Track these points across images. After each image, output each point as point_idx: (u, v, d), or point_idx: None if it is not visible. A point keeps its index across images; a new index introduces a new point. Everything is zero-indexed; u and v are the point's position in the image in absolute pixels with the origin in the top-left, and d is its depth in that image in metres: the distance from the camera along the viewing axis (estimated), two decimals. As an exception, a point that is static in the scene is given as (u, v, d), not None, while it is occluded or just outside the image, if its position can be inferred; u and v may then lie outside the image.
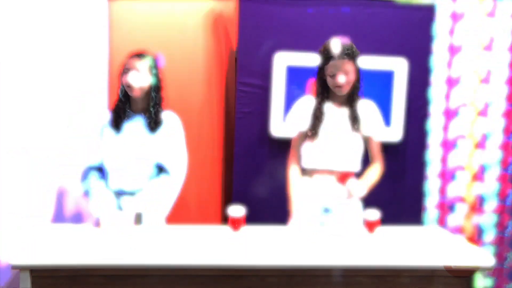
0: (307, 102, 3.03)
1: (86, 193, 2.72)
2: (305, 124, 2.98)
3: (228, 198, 4.02)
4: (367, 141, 3.03)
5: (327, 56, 2.90)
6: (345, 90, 2.91)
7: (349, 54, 2.86)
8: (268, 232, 2.81)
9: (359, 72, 2.93)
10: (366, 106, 3.01)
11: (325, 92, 2.97)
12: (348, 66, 2.86)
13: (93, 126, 2.72)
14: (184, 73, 3.63)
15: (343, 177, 2.91)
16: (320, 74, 2.96)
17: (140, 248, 2.46)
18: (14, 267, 2.24)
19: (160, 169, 2.83)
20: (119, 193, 2.75)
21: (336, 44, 2.89)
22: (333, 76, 2.88)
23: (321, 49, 2.96)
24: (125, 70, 2.69)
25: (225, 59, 4.02)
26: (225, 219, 3.88)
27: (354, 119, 2.95)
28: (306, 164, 3.01)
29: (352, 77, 2.89)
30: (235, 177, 3.84)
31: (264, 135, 3.77)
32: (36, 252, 2.34)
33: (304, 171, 3.03)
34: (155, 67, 2.78)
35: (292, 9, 3.75)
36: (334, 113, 2.98)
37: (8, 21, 2.47)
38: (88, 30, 3.05)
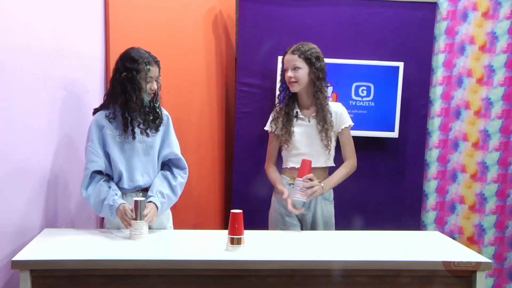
0: (281, 107, 3.07)
1: (94, 200, 2.67)
2: (277, 127, 3.04)
3: (228, 198, 4.02)
4: (339, 140, 3.07)
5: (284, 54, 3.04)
6: (295, 87, 2.97)
7: (302, 52, 2.94)
8: (268, 234, 2.82)
9: (318, 73, 2.95)
10: (334, 108, 3.03)
11: (290, 95, 3.03)
12: (298, 62, 2.94)
13: (91, 126, 2.71)
14: (184, 73, 3.63)
15: (302, 172, 2.88)
16: (282, 75, 3.05)
17: (140, 248, 2.46)
18: (14, 267, 2.24)
19: (162, 164, 2.85)
20: (126, 190, 2.74)
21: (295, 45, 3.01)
22: (286, 71, 3.00)
23: None
24: (148, 78, 2.67)
25: (225, 59, 4.02)
26: (225, 219, 3.90)
27: (322, 121, 2.97)
28: (284, 164, 3.09)
29: (301, 74, 2.94)
30: (235, 177, 3.85)
31: (264, 135, 3.77)
32: (36, 252, 2.34)
33: (283, 170, 3.10)
34: None
35: (292, 9, 3.75)
36: (303, 116, 3.02)
37: (6, 19, 2.48)
38: (86, 28, 3.06)
